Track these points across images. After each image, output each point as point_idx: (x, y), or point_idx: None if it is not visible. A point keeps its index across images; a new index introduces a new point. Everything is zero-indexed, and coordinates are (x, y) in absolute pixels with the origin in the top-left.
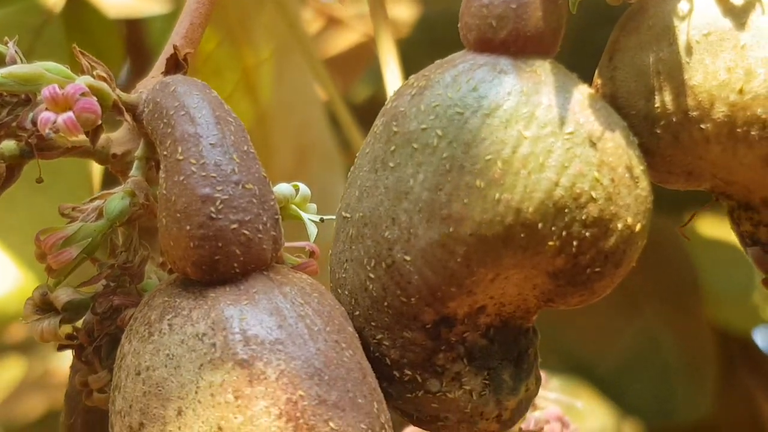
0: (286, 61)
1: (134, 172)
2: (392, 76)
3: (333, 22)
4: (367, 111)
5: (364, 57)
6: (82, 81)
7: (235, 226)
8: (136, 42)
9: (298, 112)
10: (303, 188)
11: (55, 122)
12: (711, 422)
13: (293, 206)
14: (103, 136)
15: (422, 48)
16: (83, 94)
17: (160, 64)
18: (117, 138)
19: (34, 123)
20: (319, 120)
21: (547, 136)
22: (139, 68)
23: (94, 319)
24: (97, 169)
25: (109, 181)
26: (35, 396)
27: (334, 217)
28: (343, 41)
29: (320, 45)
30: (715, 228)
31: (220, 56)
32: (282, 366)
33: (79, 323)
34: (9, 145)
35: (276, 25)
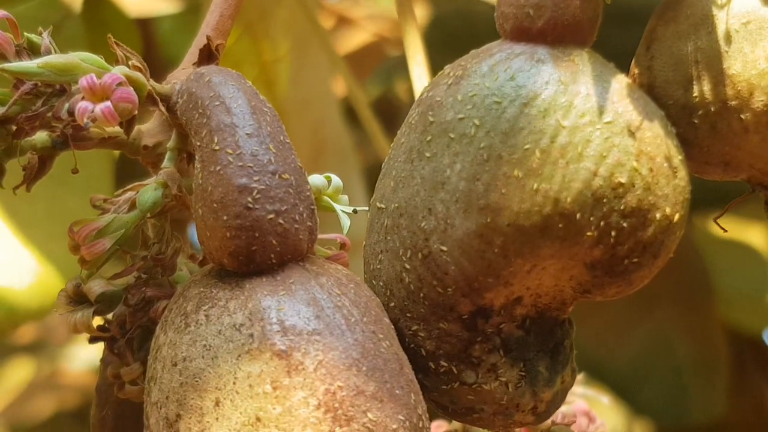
0: (303, 58)
1: (166, 163)
2: (419, 72)
3: (343, 22)
4: (377, 111)
5: (374, 56)
6: (119, 71)
7: (272, 216)
8: (145, 42)
9: (314, 108)
10: (335, 179)
11: (92, 112)
12: (723, 423)
13: (326, 197)
14: (134, 128)
15: (434, 47)
16: (120, 84)
17: (191, 55)
18: (148, 129)
19: (70, 113)
20: (335, 116)
21: (585, 125)
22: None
23: (127, 310)
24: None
25: (124, 173)
26: (44, 397)
27: (367, 208)
28: (353, 41)
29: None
30: (729, 227)
31: (239, 51)
32: (320, 356)
33: (111, 315)
34: (41, 136)
35: (294, 20)
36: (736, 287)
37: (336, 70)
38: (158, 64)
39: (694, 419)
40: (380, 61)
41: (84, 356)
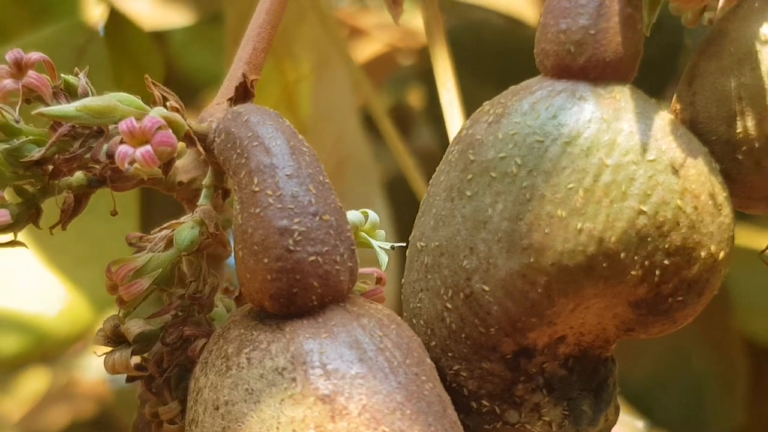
0: (324, 75)
1: (202, 200)
2: (449, 98)
3: (355, 32)
4: (389, 119)
5: (386, 67)
6: (157, 113)
7: (313, 258)
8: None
9: (335, 125)
10: (372, 215)
11: (133, 156)
12: None
13: (363, 233)
14: None
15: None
16: (160, 128)
17: (225, 90)
18: (183, 166)
19: (109, 156)
20: (355, 132)
21: (629, 163)
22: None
23: (164, 349)
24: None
25: (150, 199)
26: (59, 406)
27: (405, 244)
28: (365, 51)
29: None
30: (746, 238)
31: (263, 73)
32: (364, 401)
33: (147, 354)
34: (78, 176)
35: (316, 38)
36: (754, 297)
37: (356, 84)
38: (174, 76)
39: (713, 431)
40: (392, 71)
41: (99, 366)
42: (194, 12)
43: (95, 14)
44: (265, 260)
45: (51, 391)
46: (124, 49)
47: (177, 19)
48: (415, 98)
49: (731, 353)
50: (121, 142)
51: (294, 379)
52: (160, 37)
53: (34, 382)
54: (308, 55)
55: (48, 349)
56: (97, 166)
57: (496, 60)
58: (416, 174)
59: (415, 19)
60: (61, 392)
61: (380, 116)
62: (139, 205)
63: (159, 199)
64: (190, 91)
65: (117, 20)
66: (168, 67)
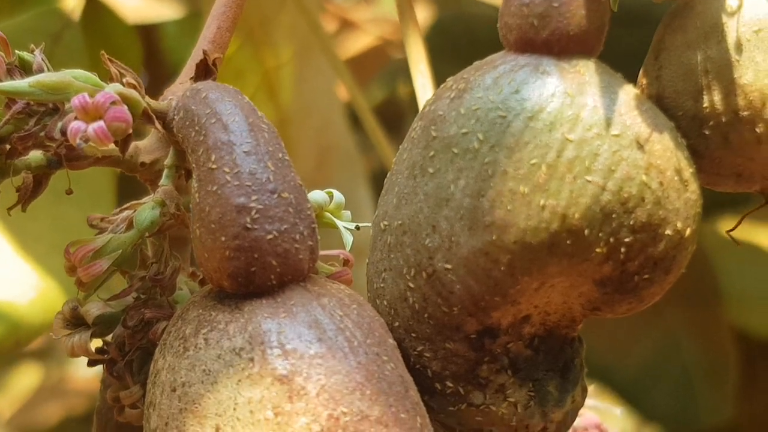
0: (306, 63)
1: (164, 181)
2: (422, 81)
3: (346, 26)
4: (381, 114)
5: (377, 60)
6: (112, 89)
7: (271, 236)
8: (150, 47)
9: (318, 115)
10: (337, 195)
11: (85, 132)
12: (733, 427)
13: (327, 213)
14: (131, 145)
15: (436, 52)
16: (114, 103)
17: (188, 69)
18: (145, 146)
19: (63, 133)
20: (339, 122)
21: (592, 138)
22: (153, 74)
23: (125, 332)
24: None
25: (127, 187)
26: (52, 403)
27: (370, 224)
28: (356, 45)
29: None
30: (737, 230)
31: (241, 59)
32: (322, 381)
33: (109, 337)
34: (36, 155)
35: (296, 26)
36: (744, 289)
37: (339, 75)
38: (164, 71)
39: (704, 424)
40: (383, 65)
41: None
42: (184, 5)
43: (72, 1)
44: (223, 238)
45: (43, 388)
46: (102, 37)
47: (166, 11)
48: (406, 92)
49: (722, 345)
50: (75, 118)
51: (251, 360)
52: (149, 30)
53: (25, 379)
54: (288, 43)
55: (21, 338)
56: (53, 144)
57: (487, 52)
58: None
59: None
60: (53, 388)
61: (363, 108)
62: (115, 192)
63: (135, 187)
64: None
65: (95, 8)
66: (158, 61)
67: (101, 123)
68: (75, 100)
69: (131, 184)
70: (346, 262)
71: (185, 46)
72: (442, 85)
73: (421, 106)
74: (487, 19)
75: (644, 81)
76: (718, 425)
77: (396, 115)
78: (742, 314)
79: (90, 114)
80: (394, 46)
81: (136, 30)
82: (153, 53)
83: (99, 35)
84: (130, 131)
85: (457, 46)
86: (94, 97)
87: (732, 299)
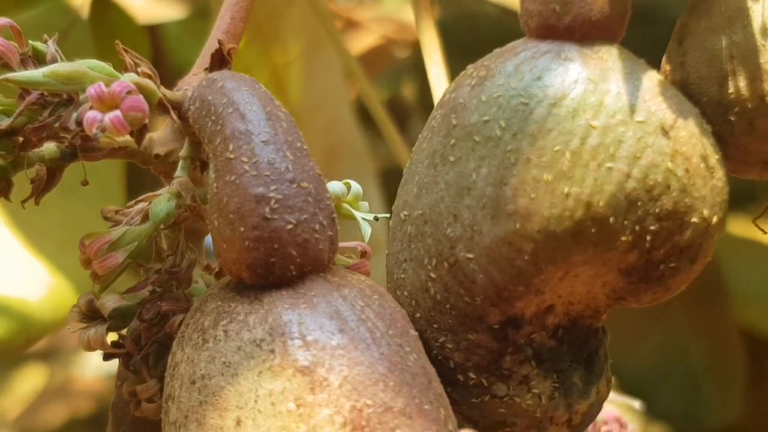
0: (314, 59)
1: (179, 172)
2: (436, 72)
3: (350, 25)
4: (385, 113)
5: (381, 59)
6: (128, 78)
7: (291, 226)
8: (152, 48)
9: (326, 111)
10: (354, 186)
11: (101, 121)
12: (740, 426)
13: (345, 204)
14: (145, 137)
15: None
16: (130, 92)
17: (202, 60)
18: (159, 138)
19: (78, 123)
20: (348, 119)
21: (617, 125)
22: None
23: (142, 326)
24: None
25: (136, 182)
26: (56, 404)
27: (388, 215)
28: (360, 43)
29: None
30: (743, 227)
31: (249, 55)
32: (345, 372)
33: (125, 331)
34: (49, 147)
35: (305, 21)
36: (751, 287)
37: (349, 71)
38: (167, 71)
39: (711, 423)
40: (388, 64)
41: (97, 363)
42: (187, 5)
43: None
44: (242, 229)
45: (48, 389)
46: (110, 34)
47: (169, 12)
48: (411, 91)
49: (728, 344)
50: (91, 108)
51: (272, 351)
52: (153, 30)
53: (31, 380)
54: (297, 39)
55: (31, 335)
56: (67, 135)
57: (490, 51)
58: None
59: (406, 13)
60: (58, 390)
61: (374, 104)
62: (125, 187)
63: (144, 182)
64: None
65: (103, 5)
66: (162, 61)
67: (117, 112)
68: (91, 90)
69: (140, 178)
70: (363, 254)
71: (188, 47)
72: (462, 73)
73: (436, 98)
74: (488, 18)
75: (668, 67)
76: (725, 424)
77: (400, 114)
78: (748, 313)
79: (106, 103)
80: (398, 45)
81: (144, 29)
82: (156, 54)
83: (107, 32)
84: (146, 121)
85: (461, 45)
86: (110, 87)
87: (738, 298)
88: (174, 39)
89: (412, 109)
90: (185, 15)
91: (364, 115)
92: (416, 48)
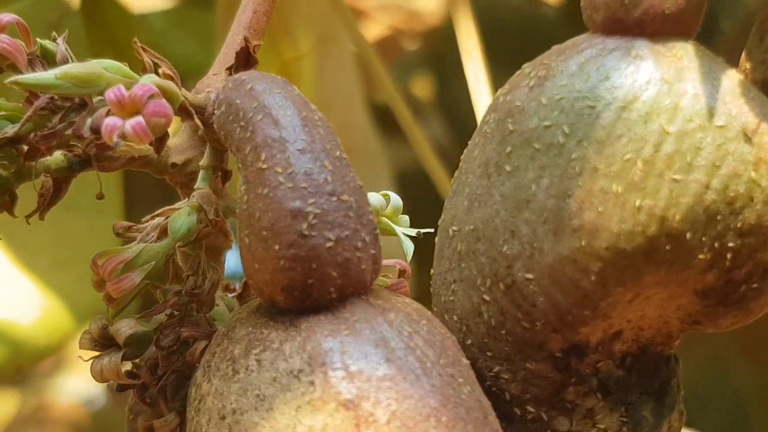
0: (326, 55)
1: (200, 183)
2: (474, 69)
3: (355, 14)
4: (391, 114)
5: (388, 52)
6: (149, 80)
7: (330, 244)
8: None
9: (339, 111)
10: (394, 198)
11: (122, 128)
12: None
13: (384, 219)
14: None
15: (451, 38)
16: (152, 96)
17: (223, 58)
18: (176, 145)
19: (94, 130)
20: (362, 118)
21: (694, 130)
22: None
23: (159, 354)
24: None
25: (134, 193)
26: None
27: (433, 230)
28: (366, 35)
29: None
30: None
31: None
32: (393, 406)
33: (139, 359)
34: (57, 157)
35: (316, 11)
36: None
37: (365, 63)
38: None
39: None
40: (396, 57)
41: (73, 388)
42: None
43: None
44: (276, 247)
45: (20, 416)
46: (103, 25)
47: (156, 1)
48: (421, 87)
49: None
50: (108, 113)
51: (312, 383)
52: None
53: (3, 406)
54: (308, 32)
55: (22, 362)
56: (80, 144)
57: (512, 41)
58: (436, 164)
59: (417, 1)
60: (31, 417)
61: (394, 99)
62: (123, 200)
63: (143, 195)
64: None
65: None
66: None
67: (140, 118)
68: (110, 93)
69: (139, 189)
70: (402, 273)
71: (174, 40)
72: (517, 72)
73: (474, 97)
74: (510, 6)
75: (748, 65)
76: None
77: (411, 112)
78: None
79: (126, 109)
80: (407, 36)
81: (140, 19)
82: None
83: (100, 24)
84: (169, 128)
85: (483, 34)
86: (131, 90)
87: None
88: (161, 31)
89: (423, 108)
90: (173, 4)
91: (378, 112)
92: (428, 39)
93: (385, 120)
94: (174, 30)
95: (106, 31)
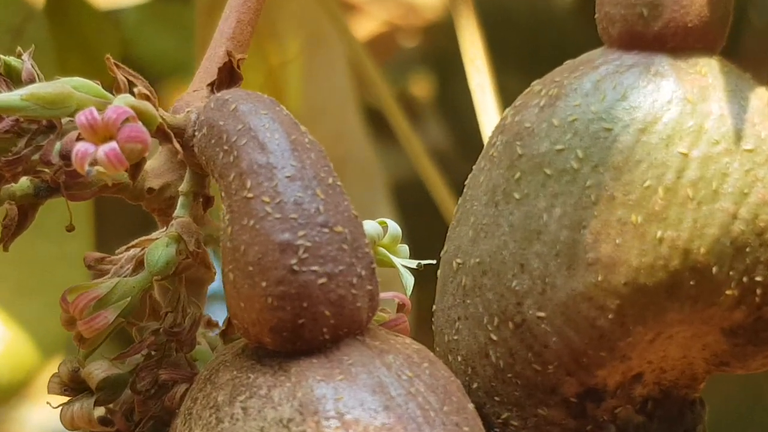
0: (315, 59)
1: (179, 211)
2: (479, 80)
3: (347, 9)
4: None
5: (383, 50)
6: (123, 101)
7: (323, 280)
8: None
9: (330, 119)
10: (392, 226)
11: (94, 155)
12: None
13: (381, 249)
14: None
15: (452, 34)
16: (127, 120)
17: (203, 74)
18: (153, 169)
19: (63, 156)
20: (355, 125)
21: (720, 155)
22: None
23: (135, 398)
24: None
25: (104, 216)
26: None
27: (434, 261)
28: (359, 31)
29: None
30: None
31: None
32: None
33: (114, 404)
34: (22, 183)
35: (304, 11)
36: None
37: (356, 64)
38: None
39: None
40: (391, 55)
41: (38, 420)
42: None
43: None
44: (263, 284)
45: None
46: (70, 28)
47: None
48: (420, 87)
49: None
50: (79, 138)
51: None
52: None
53: None
54: (295, 33)
55: None
56: (48, 170)
57: (523, 37)
58: (434, 174)
59: None
60: None
61: (389, 104)
62: (93, 224)
63: (114, 218)
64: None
65: None
66: (121, 52)
67: (114, 145)
68: (81, 117)
69: (111, 212)
70: (401, 308)
71: (148, 37)
72: (526, 90)
73: (478, 110)
74: (522, 4)
75: None
76: None
77: (407, 115)
78: None
79: (99, 134)
80: (403, 32)
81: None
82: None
83: (66, 25)
84: (146, 154)
85: (488, 28)
86: (104, 113)
87: None
88: (135, 27)
89: (422, 110)
90: (146, 1)
91: (372, 118)
92: (426, 35)
93: (379, 126)
94: (149, 26)
95: (73, 32)
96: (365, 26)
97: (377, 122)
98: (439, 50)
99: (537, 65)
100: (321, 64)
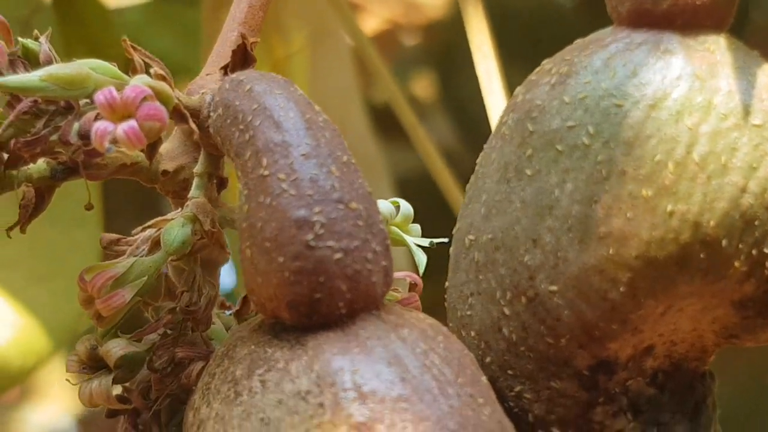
0: (320, 52)
1: (194, 192)
2: (486, 67)
3: (350, 7)
4: (389, 115)
5: (386, 47)
6: (141, 81)
7: (339, 255)
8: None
9: (334, 113)
10: (404, 205)
11: (114, 133)
12: None
13: (394, 228)
14: None
15: (455, 31)
16: (145, 98)
17: (216, 57)
18: (167, 151)
19: (82, 135)
20: (359, 121)
21: (729, 130)
22: None
23: (152, 376)
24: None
25: (114, 203)
26: None
27: (447, 240)
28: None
29: None
30: None
31: None
32: (409, 429)
33: (131, 383)
34: (38, 165)
35: (309, 6)
36: None
37: (362, 59)
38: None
39: None
40: (393, 53)
41: (38, 420)
42: None
43: None
44: (280, 259)
45: None
46: (77, 22)
47: None
48: (423, 86)
49: None
50: (97, 117)
51: (321, 405)
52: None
53: None
54: (300, 26)
55: None
56: (66, 151)
57: (526, 31)
58: (442, 169)
59: None
60: None
61: (396, 99)
62: (102, 210)
63: (123, 204)
64: None
65: None
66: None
67: (133, 122)
68: (100, 96)
69: (118, 199)
70: (413, 286)
71: (150, 37)
72: (537, 69)
73: (486, 97)
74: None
75: None
76: None
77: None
78: None
79: (118, 112)
80: (405, 30)
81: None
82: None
83: (74, 20)
84: (164, 133)
85: (494, 22)
86: (122, 92)
87: None
88: (136, 27)
89: (425, 108)
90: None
91: (377, 112)
92: (430, 33)
93: (385, 121)
94: (153, 26)
95: (80, 27)
96: (368, 24)
97: (383, 117)
98: (441, 48)
99: (542, 59)
100: (325, 57)
